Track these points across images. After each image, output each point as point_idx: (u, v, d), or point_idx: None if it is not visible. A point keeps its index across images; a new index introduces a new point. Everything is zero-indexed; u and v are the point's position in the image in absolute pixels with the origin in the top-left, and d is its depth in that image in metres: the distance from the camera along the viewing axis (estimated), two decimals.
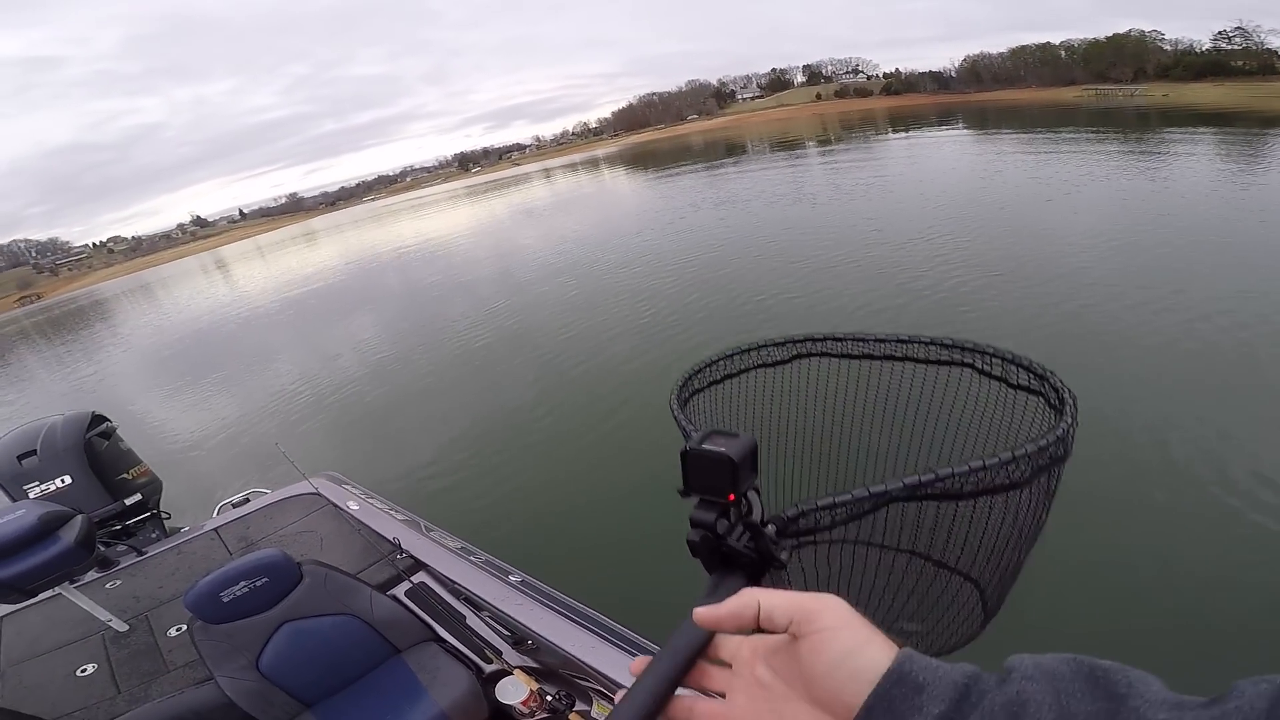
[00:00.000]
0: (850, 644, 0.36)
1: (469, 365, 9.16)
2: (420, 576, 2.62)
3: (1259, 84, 45.43)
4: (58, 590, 2.36)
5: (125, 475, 3.29)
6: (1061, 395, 0.67)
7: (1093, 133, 24.73)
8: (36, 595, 2.29)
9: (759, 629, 0.41)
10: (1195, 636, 2.92)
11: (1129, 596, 3.25)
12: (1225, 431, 4.41)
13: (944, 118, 44.00)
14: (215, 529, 3.17)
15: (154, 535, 3.31)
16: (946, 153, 24.17)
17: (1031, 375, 0.75)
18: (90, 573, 2.84)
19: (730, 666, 0.45)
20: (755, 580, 0.50)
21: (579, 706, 2.04)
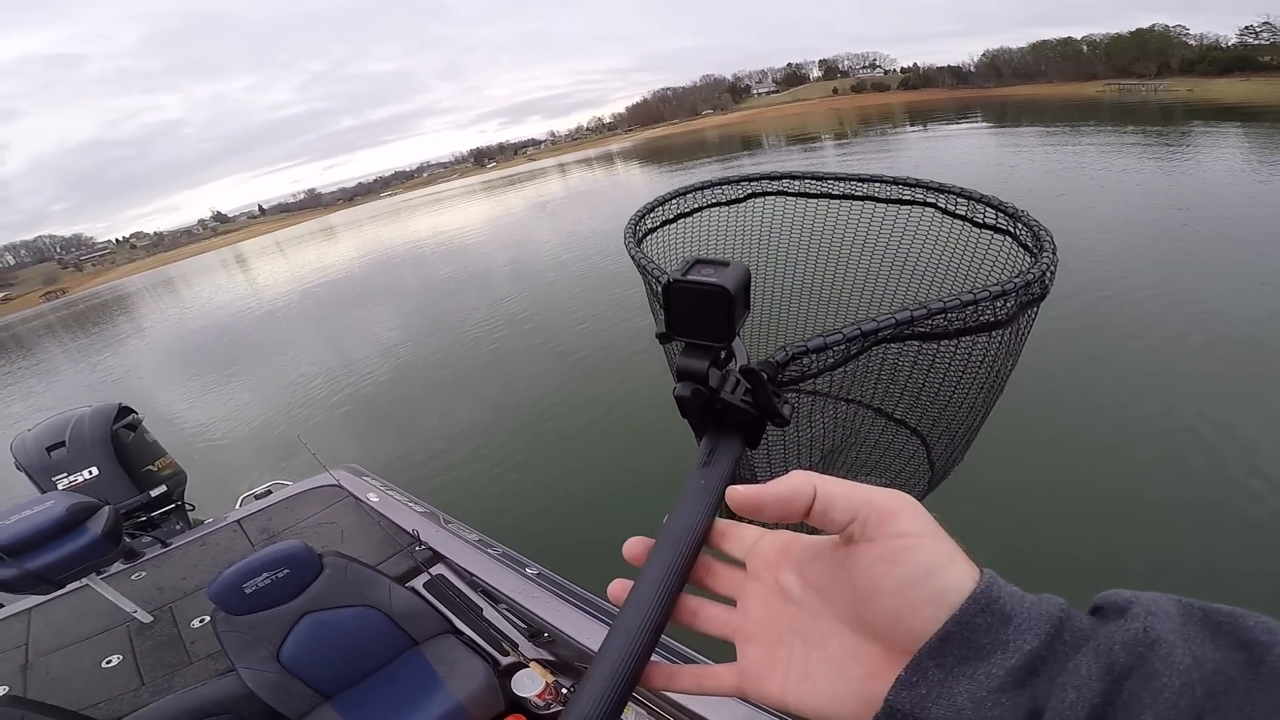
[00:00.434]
0: (934, 558, 0.29)
1: (486, 357, 9.21)
2: (438, 569, 2.64)
3: None
4: (85, 582, 2.39)
5: (151, 467, 3.34)
6: (1037, 232, 0.63)
7: (1114, 128, 24.34)
8: (64, 586, 2.32)
9: (799, 524, 0.34)
10: None
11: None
12: (1230, 424, 4.41)
13: (962, 113, 43.52)
14: (238, 520, 3.21)
15: (178, 527, 3.35)
16: (963, 147, 23.91)
17: (1001, 214, 0.70)
18: (116, 564, 2.89)
19: (744, 566, 0.38)
20: (753, 443, 0.44)
21: None
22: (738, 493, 0.34)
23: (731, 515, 0.38)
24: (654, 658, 0.32)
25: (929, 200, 0.78)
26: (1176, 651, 0.24)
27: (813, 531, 0.35)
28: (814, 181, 0.86)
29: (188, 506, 3.52)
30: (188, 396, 11.06)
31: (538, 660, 2.19)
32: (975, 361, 0.60)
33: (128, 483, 3.17)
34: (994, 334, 0.57)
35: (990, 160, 18.73)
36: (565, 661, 2.19)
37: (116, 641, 2.46)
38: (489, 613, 2.41)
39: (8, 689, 2.29)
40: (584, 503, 5.00)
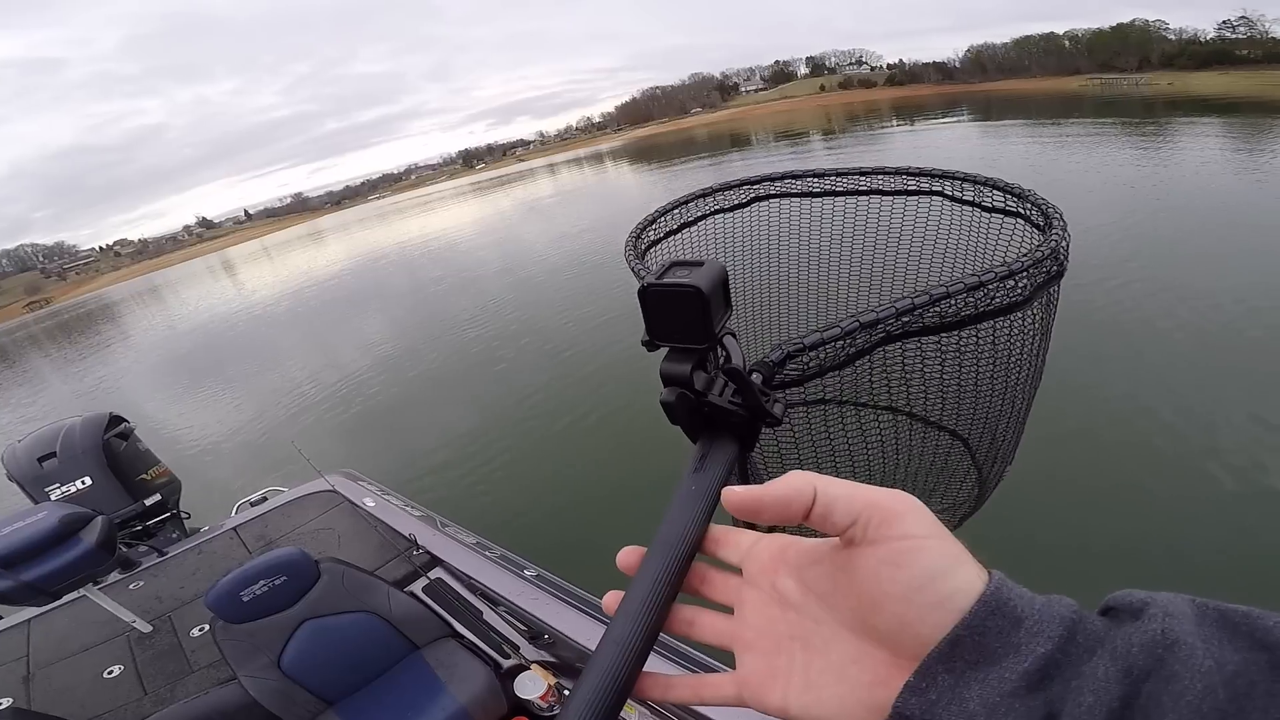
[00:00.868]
0: (941, 560, 0.28)
1: (478, 360, 9.19)
2: (437, 572, 2.64)
3: (1265, 72, 44.98)
4: (82, 592, 2.38)
5: (144, 476, 3.32)
6: (1045, 210, 0.61)
7: (1097, 122, 24.60)
8: (61, 597, 2.31)
9: (799, 527, 0.33)
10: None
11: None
12: (1201, 405, 4.54)
13: (948, 108, 43.79)
14: (234, 528, 3.19)
15: (174, 535, 3.33)
16: (949, 142, 24.07)
17: (1008, 195, 0.69)
18: (113, 574, 2.87)
19: (740, 572, 0.37)
20: (748, 445, 0.42)
21: None
22: (735, 494, 0.33)
23: (733, 521, 0.37)
24: (660, 662, 0.33)
25: (935, 189, 0.76)
26: (1197, 654, 0.24)
27: (810, 535, 0.34)
28: (816, 180, 0.85)
29: (183, 515, 3.51)
30: (178, 405, 10.97)
31: (539, 662, 2.20)
32: (1002, 350, 0.57)
33: (121, 492, 3.15)
34: (1013, 317, 0.54)
35: (978, 154, 18.89)
36: (567, 663, 2.20)
37: (117, 652, 2.45)
38: (489, 616, 2.41)
39: (11, 701, 2.28)
40: (582, 503, 5.00)
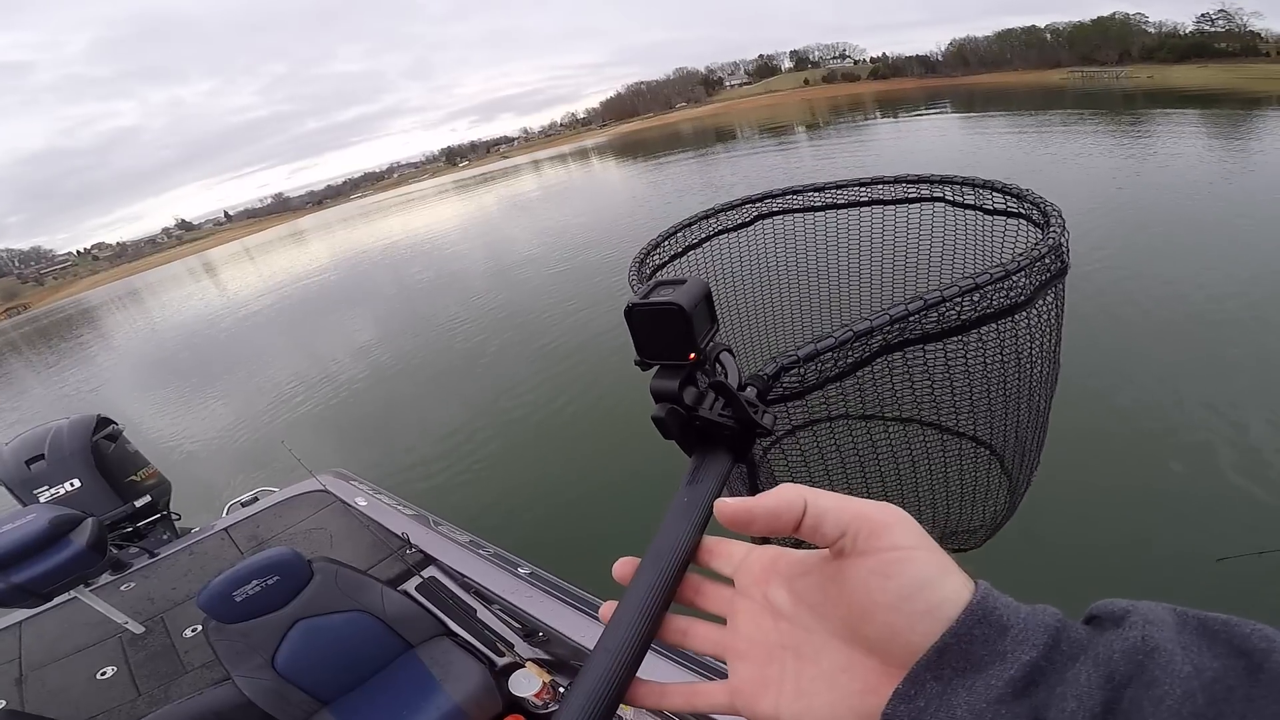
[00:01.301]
0: (929, 570, 0.29)
1: (467, 358, 9.16)
2: (430, 571, 2.64)
3: (1242, 65, 45.73)
4: (73, 594, 2.37)
5: (134, 477, 3.30)
6: (1044, 208, 0.61)
7: (1079, 114, 24.86)
8: (52, 599, 2.30)
9: (789, 538, 0.34)
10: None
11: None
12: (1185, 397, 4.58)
13: (931, 101, 44.00)
14: (225, 529, 3.19)
15: (165, 536, 3.32)
16: (935, 137, 24.20)
17: (1008, 196, 0.69)
18: (104, 576, 2.86)
19: (732, 583, 0.37)
20: (742, 457, 0.43)
21: None
22: (727, 505, 0.33)
23: (724, 533, 0.38)
24: (662, 662, 0.34)
25: (936, 195, 0.77)
26: (1176, 660, 0.24)
27: (801, 546, 0.35)
28: (816, 194, 0.85)
29: (174, 516, 3.49)
30: (164, 407, 10.85)
31: (534, 660, 2.21)
32: (1011, 351, 0.57)
33: (111, 494, 3.13)
34: (1019, 317, 0.54)
35: (965, 147, 19.02)
36: (561, 660, 2.21)
37: (109, 653, 2.45)
38: (483, 614, 2.42)
39: (5, 703, 2.27)
40: (573, 501, 5.01)
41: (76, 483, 3.04)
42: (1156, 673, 0.24)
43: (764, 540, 0.37)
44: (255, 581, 2.03)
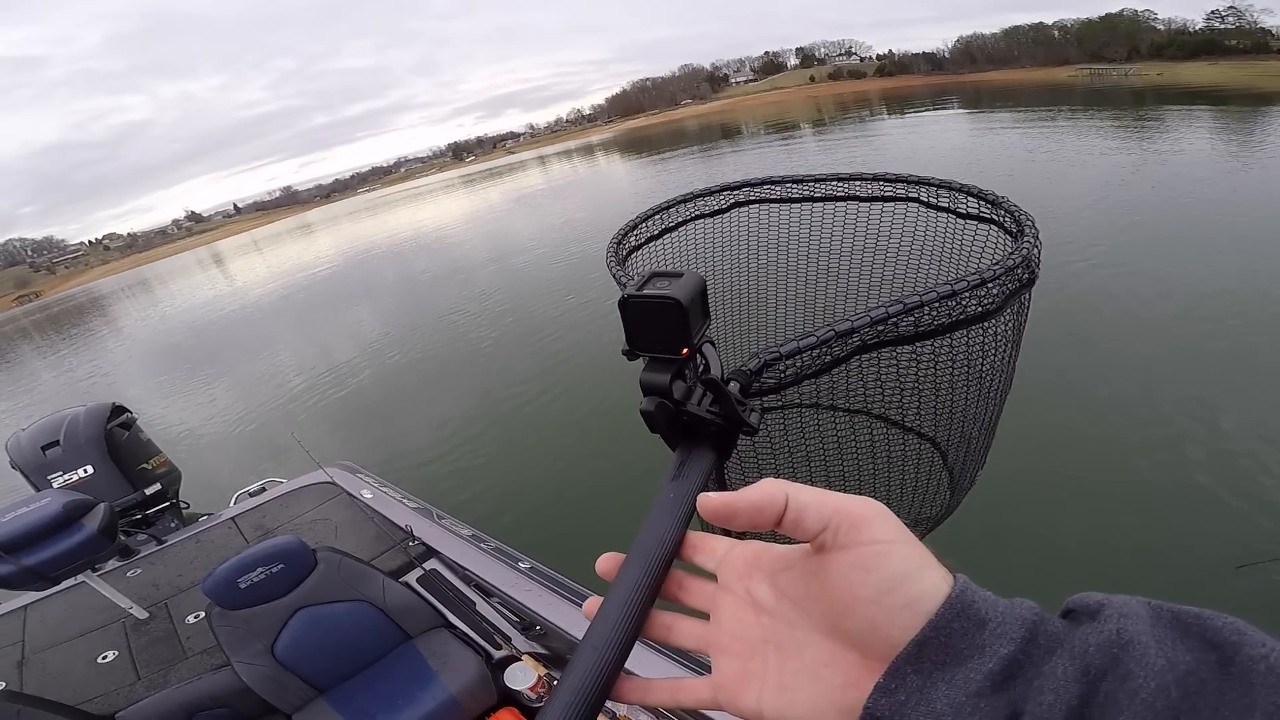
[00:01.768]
0: (909, 564, 0.29)
1: (472, 352, 9.21)
2: (432, 564, 2.67)
3: (1254, 62, 45.25)
4: (81, 578, 2.41)
5: (145, 465, 3.34)
6: (1018, 217, 0.62)
7: (1086, 111, 24.71)
8: (60, 583, 2.33)
9: (772, 533, 0.34)
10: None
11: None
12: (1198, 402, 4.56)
13: (938, 99, 43.76)
14: (232, 518, 3.22)
15: (173, 524, 3.36)
16: (938, 133, 24.10)
17: (982, 202, 0.70)
18: (112, 561, 2.91)
19: (715, 579, 0.37)
20: (725, 453, 0.43)
21: None
22: (710, 500, 0.34)
23: (707, 528, 0.38)
24: (650, 654, 0.35)
25: (911, 195, 0.77)
26: (1150, 653, 0.24)
27: (783, 541, 0.35)
28: (794, 185, 0.86)
29: (182, 504, 3.54)
30: (175, 396, 10.94)
31: (530, 653, 2.23)
32: (975, 356, 0.58)
33: (122, 481, 3.18)
34: (986, 325, 0.55)
35: (969, 147, 18.92)
36: (557, 654, 2.22)
37: (112, 637, 2.48)
38: (482, 607, 2.44)
39: (4, 684, 2.31)
40: (575, 496, 5.04)
41: (89, 469, 3.09)
42: (1131, 665, 0.24)
43: (745, 534, 0.37)
44: (260, 569, 2.06)
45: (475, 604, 2.46)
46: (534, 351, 8.48)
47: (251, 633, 2.09)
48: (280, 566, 2.11)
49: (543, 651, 2.26)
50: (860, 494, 0.30)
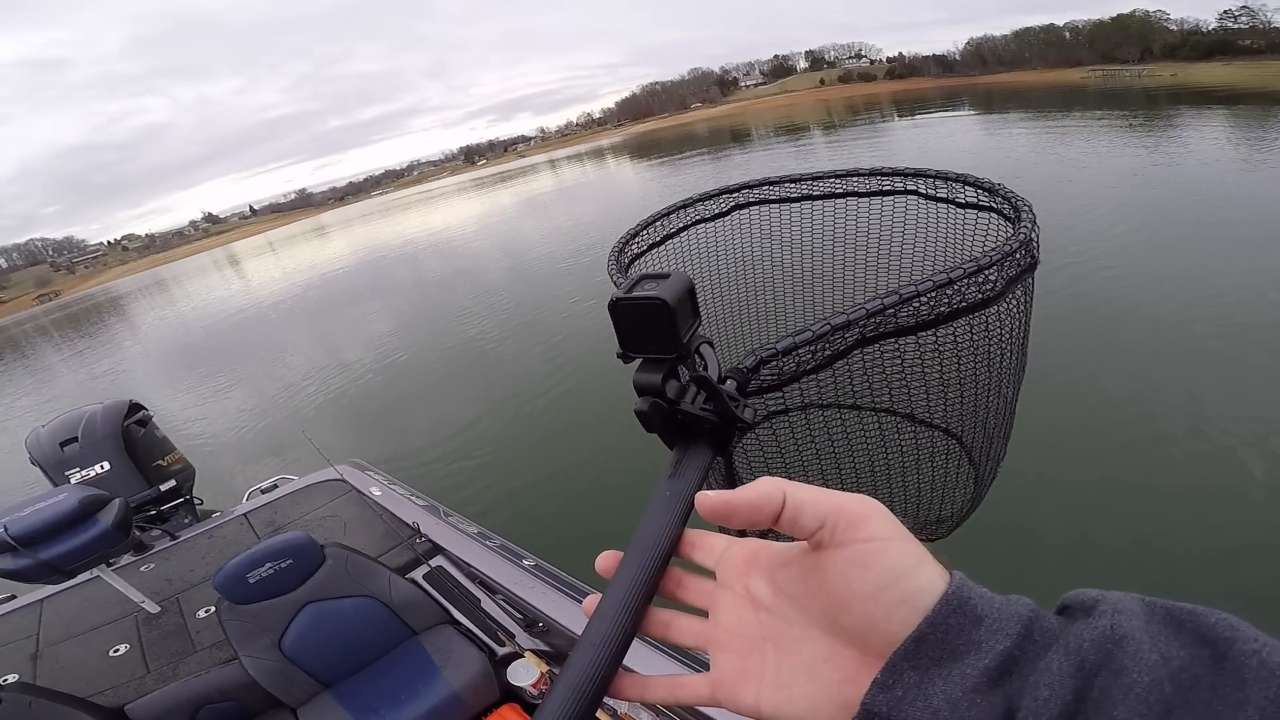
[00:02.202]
0: (905, 561, 0.29)
1: (481, 354, 9.30)
2: (438, 560, 2.69)
3: (1269, 63, 44.64)
4: (95, 572, 2.45)
5: (160, 462, 3.39)
6: (1014, 203, 0.62)
7: (1101, 113, 24.50)
8: (76, 577, 2.38)
9: (769, 531, 0.34)
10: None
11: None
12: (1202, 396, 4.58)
13: (949, 101, 43.55)
14: (244, 514, 3.26)
15: (186, 520, 3.40)
16: (948, 135, 23.96)
17: (980, 190, 0.70)
18: (126, 556, 2.95)
19: (714, 576, 0.38)
20: (722, 450, 0.43)
21: None
22: (707, 499, 0.34)
23: (706, 525, 0.38)
24: (649, 651, 0.36)
25: (909, 188, 0.77)
26: (1144, 648, 0.25)
27: (780, 539, 0.35)
28: (793, 185, 0.86)
29: (196, 500, 3.58)
30: (190, 395, 11.10)
31: (533, 650, 2.24)
32: (983, 343, 0.58)
33: (138, 477, 3.23)
34: (989, 311, 0.55)
35: (977, 149, 18.86)
36: (559, 651, 2.24)
37: (124, 631, 2.52)
38: (486, 603, 2.46)
39: (17, 676, 2.35)
40: (580, 495, 5.07)
41: (106, 465, 3.14)
42: (1125, 661, 0.25)
43: (743, 533, 0.37)
44: (269, 564, 2.09)
45: (480, 601, 2.48)
46: (541, 352, 8.54)
47: (260, 627, 2.12)
48: (289, 562, 2.14)
49: (545, 648, 2.27)
50: (880, 493, 0.30)
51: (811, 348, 0.48)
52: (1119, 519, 3.66)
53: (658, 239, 0.88)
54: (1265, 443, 3.99)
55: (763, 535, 0.40)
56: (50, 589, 2.82)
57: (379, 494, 3.17)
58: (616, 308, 0.40)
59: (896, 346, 0.52)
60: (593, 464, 5.50)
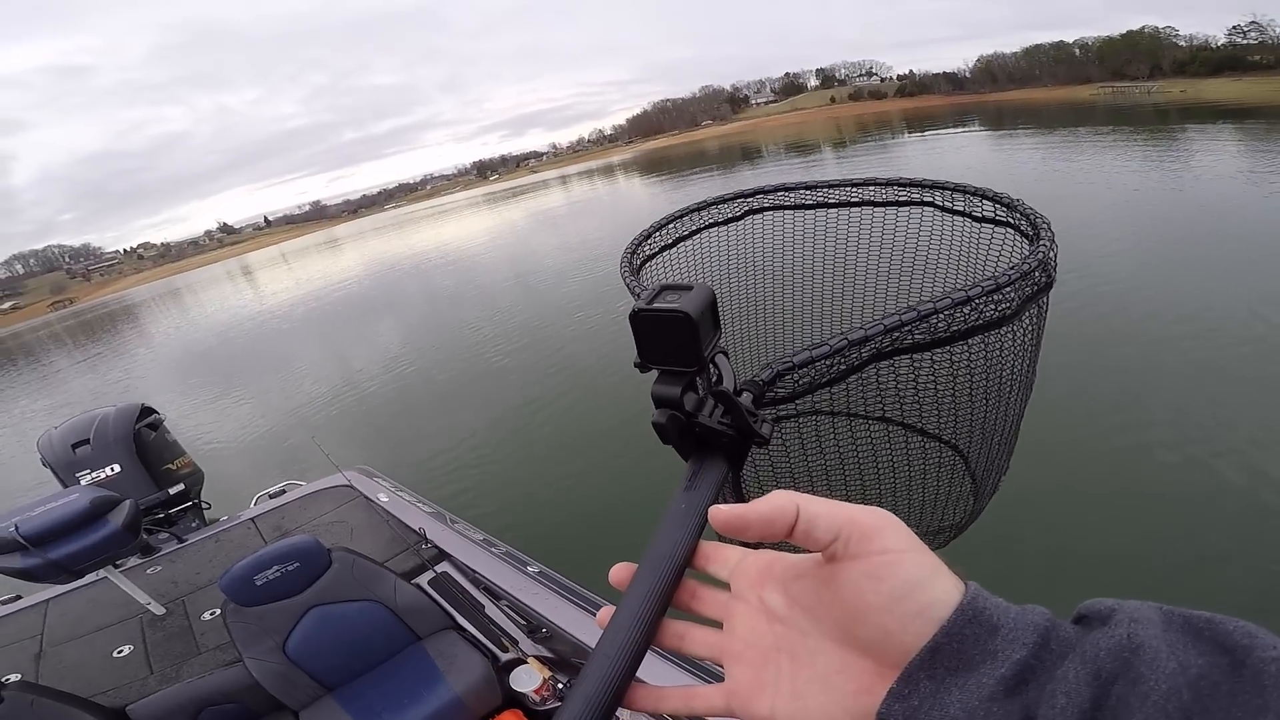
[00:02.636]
0: (920, 572, 0.30)
1: (491, 365, 9.34)
2: (443, 566, 2.69)
3: (1277, 78, 44.51)
4: (102, 573, 2.46)
5: (170, 466, 3.42)
6: (1034, 220, 0.61)
7: (1109, 129, 24.55)
8: (83, 577, 2.39)
9: (783, 543, 0.34)
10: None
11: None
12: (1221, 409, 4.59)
13: (959, 118, 43.67)
14: (252, 518, 3.27)
15: (194, 524, 3.41)
16: (958, 152, 24.02)
17: (998, 205, 0.69)
18: (132, 558, 2.97)
19: (728, 587, 0.38)
20: (738, 463, 0.43)
21: None
22: (721, 513, 0.34)
23: (719, 538, 0.38)
24: (661, 663, 0.35)
25: (925, 199, 0.77)
26: (1161, 656, 0.25)
27: (794, 550, 0.35)
28: (808, 191, 0.85)
29: (203, 505, 3.59)
30: (200, 401, 11.19)
31: (536, 656, 2.24)
32: (994, 361, 0.58)
33: (147, 480, 3.25)
34: (1003, 330, 0.54)
35: (983, 168, 18.88)
36: (562, 658, 2.24)
37: (129, 632, 2.53)
38: (490, 609, 2.46)
39: (20, 675, 2.35)
40: (585, 504, 5.08)
41: (117, 467, 3.16)
42: (1142, 669, 0.25)
43: (757, 544, 0.38)
44: (276, 567, 2.10)
45: (484, 607, 2.48)
46: (551, 365, 8.58)
47: (264, 629, 2.12)
48: (296, 565, 2.14)
49: (548, 655, 2.27)
50: (881, 501, 0.30)
51: (827, 362, 0.48)
52: (1098, 527, 3.70)
53: (670, 241, 0.87)
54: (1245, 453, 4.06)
55: (776, 547, 0.40)
56: (55, 590, 2.83)
57: (386, 500, 3.18)
58: (637, 318, 0.40)
59: (911, 361, 0.52)
60: (598, 473, 5.51)
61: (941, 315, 0.48)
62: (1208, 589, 3.17)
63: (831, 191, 0.84)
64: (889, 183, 0.80)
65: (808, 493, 0.32)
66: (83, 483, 3.07)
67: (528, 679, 2.14)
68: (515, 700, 2.15)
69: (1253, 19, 62.55)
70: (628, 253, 0.79)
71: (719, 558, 0.38)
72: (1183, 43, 72.06)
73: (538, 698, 2.11)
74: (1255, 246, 7.80)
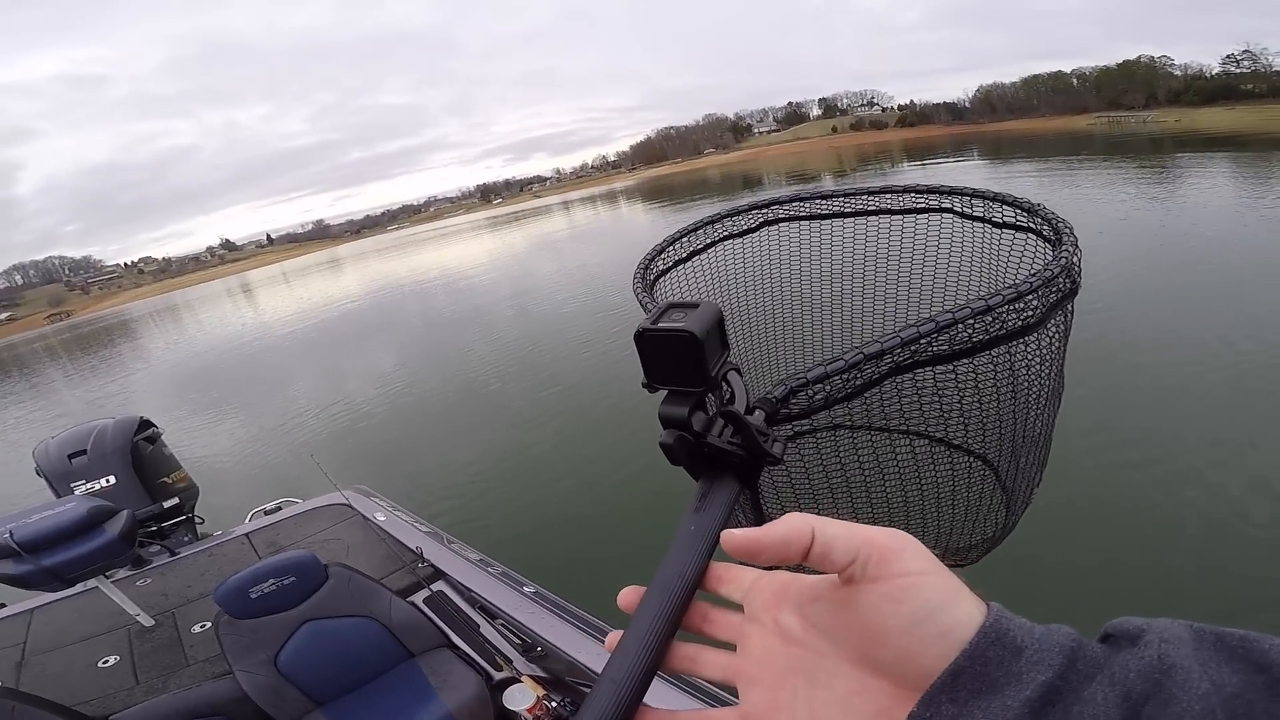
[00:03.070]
0: (941, 595, 0.29)
1: (489, 387, 9.37)
2: (439, 585, 2.68)
3: (1270, 107, 45.19)
4: (93, 583, 2.44)
5: (166, 479, 3.42)
6: (1056, 225, 0.60)
7: (1103, 158, 24.92)
8: (74, 585, 2.38)
9: (799, 565, 0.33)
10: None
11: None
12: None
13: (959, 148, 44.25)
14: (246, 534, 3.26)
15: (186, 538, 3.40)
16: (954, 181, 24.29)
17: (1019, 211, 0.67)
18: (123, 570, 2.93)
19: (741, 609, 0.37)
20: (750, 483, 0.42)
21: None
22: (734, 537, 0.33)
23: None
24: (670, 690, 0.33)
25: (944, 205, 0.75)
26: (1193, 677, 0.24)
27: (809, 571, 0.35)
28: (823, 201, 0.84)
29: (197, 520, 3.58)
30: (195, 420, 11.15)
31: (530, 675, 2.22)
32: (1020, 370, 0.56)
33: (142, 493, 3.24)
34: (1028, 340, 0.53)
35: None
36: (557, 677, 2.22)
37: (115, 643, 2.50)
38: (485, 628, 2.44)
39: (0, 683, 2.31)
40: (582, 526, 5.07)
41: (112, 479, 3.15)
42: (1174, 690, 0.24)
43: (772, 566, 0.36)
44: (272, 580, 2.09)
45: (479, 625, 2.46)
46: (548, 387, 8.62)
47: (257, 642, 2.10)
48: (292, 579, 2.13)
49: (542, 674, 2.25)
50: (909, 516, 0.29)
51: (843, 376, 0.46)
52: (1099, 544, 3.71)
53: (684, 255, 0.86)
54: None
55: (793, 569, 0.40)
56: (42, 599, 2.80)
57: (383, 519, 3.17)
58: (643, 338, 0.39)
59: (932, 373, 0.50)
60: (598, 496, 5.50)
61: (961, 326, 0.47)
62: (1228, 608, 3.14)
63: (847, 200, 0.83)
64: (906, 189, 0.78)
65: (831, 509, 0.31)
66: (77, 493, 3.06)
67: (521, 698, 2.09)
68: (508, 719, 2.12)
69: (1245, 48, 63.79)
70: (641, 268, 0.78)
71: (731, 579, 0.37)
72: (1178, 72, 73.53)
73: (530, 716, 2.07)
74: (1233, 272, 8.00)
